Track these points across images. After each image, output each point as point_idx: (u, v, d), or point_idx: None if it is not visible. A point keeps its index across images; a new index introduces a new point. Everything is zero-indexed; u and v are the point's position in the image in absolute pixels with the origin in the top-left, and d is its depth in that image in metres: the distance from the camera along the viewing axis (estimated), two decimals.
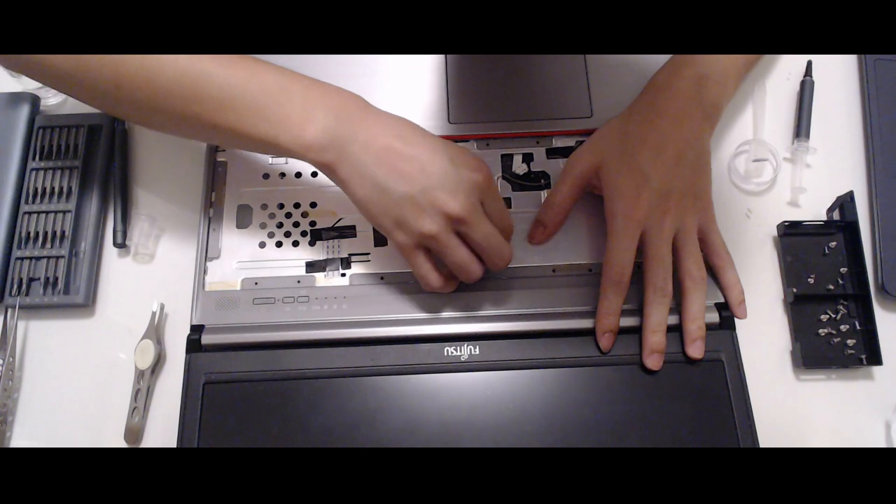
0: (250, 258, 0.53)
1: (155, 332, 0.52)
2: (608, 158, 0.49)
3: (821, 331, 0.52)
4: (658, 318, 0.48)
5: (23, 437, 0.51)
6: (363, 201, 0.44)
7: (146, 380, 0.51)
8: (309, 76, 0.45)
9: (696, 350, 0.48)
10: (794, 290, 0.53)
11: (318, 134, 0.43)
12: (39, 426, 0.52)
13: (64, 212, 0.56)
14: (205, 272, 0.52)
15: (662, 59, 0.58)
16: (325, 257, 0.53)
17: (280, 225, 0.54)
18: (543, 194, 0.54)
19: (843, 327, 0.52)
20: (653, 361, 0.48)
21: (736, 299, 0.50)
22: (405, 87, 0.58)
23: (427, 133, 0.45)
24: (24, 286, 0.54)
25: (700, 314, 0.48)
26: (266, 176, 0.55)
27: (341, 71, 0.58)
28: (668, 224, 0.47)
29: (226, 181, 0.55)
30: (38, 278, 0.54)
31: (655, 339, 0.48)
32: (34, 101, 0.59)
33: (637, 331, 0.49)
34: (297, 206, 0.54)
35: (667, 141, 0.48)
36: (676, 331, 0.49)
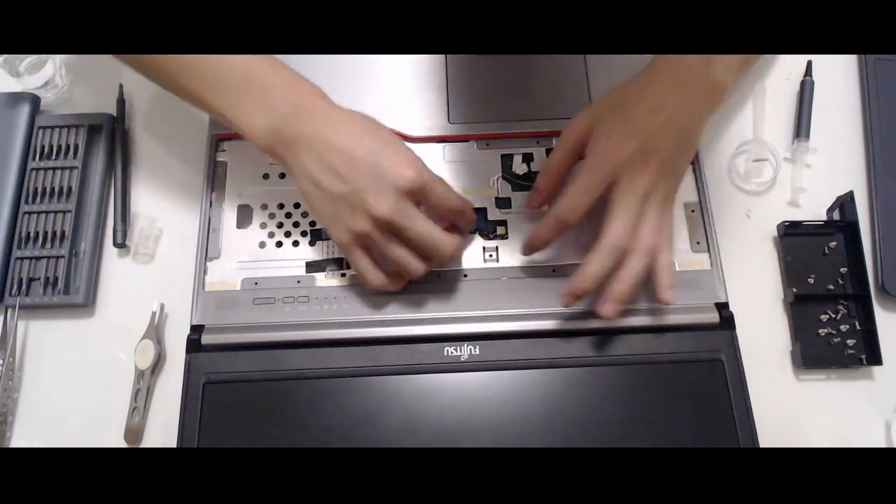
0: (250, 258, 0.53)
1: (155, 332, 0.52)
2: (602, 117, 0.47)
3: (821, 331, 0.52)
4: (596, 269, 0.45)
5: (23, 437, 0.51)
6: (305, 194, 0.46)
7: (146, 380, 0.51)
8: (277, 60, 0.46)
9: (608, 309, 0.45)
10: (794, 290, 0.53)
11: (265, 128, 0.45)
12: (39, 426, 0.52)
13: (64, 212, 0.56)
14: (205, 272, 0.52)
15: None
16: (324, 257, 0.53)
17: (280, 225, 0.54)
18: None
19: (843, 327, 0.52)
20: (567, 300, 0.46)
21: (666, 282, 0.46)
22: (405, 87, 0.58)
23: (370, 129, 0.45)
24: (24, 286, 0.54)
25: (635, 281, 0.45)
26: (266, 176, 0.55)
27: (341, 70, 0.58)
28: (641, 181, 0.45)
29: (226, 181, 0.55)
30: (38, 278, 0.54)
31: (581, 286, 0.45)
32: (34, 101, 0.59)
33: (638, 331, 0.49)
34: (296, 206, 0.54)
35: (665, 104, 0.45)
36: (675, 331, 0.49)
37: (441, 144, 0.56)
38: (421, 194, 0.45)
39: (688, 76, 0.46)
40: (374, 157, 0.44)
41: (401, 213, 0.44)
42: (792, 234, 0.55)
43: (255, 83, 0.45)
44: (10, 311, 0.53)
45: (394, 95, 0.57)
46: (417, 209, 0.45)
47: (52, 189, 0.56)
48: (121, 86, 0.60)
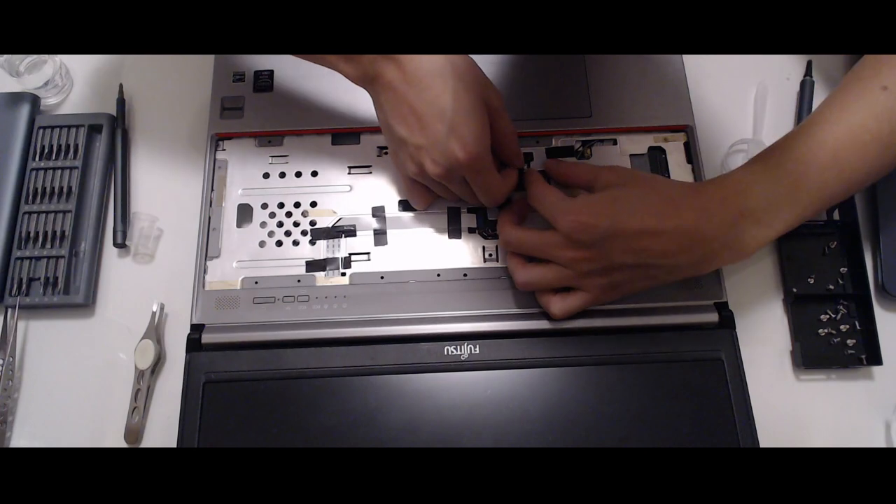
0: (250, 257, 0.53)
1: (155, 331, 0.53)
2: (624, 186, 0.47)
3: (821, 331, 0.52)
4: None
5: (23, 437, 0.51)
6: (379, 121, 0.49)
7: (146, 380, 0.51)
8: None
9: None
10: (794, 290, 0.53)
11: (353, 69, 0.46)
12: (39, 426, 0.52)
13: (64, 212, 0.56)
14: (205, 271, 0.52)
15: (663, 58, 0.58)
16: (324, 257, 0.53)
17: (280, 224, 0.54)
18: None
19: (843, 327, 0.52)
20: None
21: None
22: None
23: (451, 89, 0.43)
24: (24, 286, 0.54)
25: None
26: (266, 175, 0.55)
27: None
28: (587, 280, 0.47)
29: (226, 181, 0.55)
30: (38, 278, 0.54)
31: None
32: (34, 101, 0.59)
33: (638, 331, 0.49)
34: (297, 205, 0.54)
35: (675, 241, 0.44)
36: (675, 330, 0.49)
37: None
38: (469, 173, 0.47)
39: (715, 247, 0.44)
40: (444, 122, 0.44)
41: (448, 178, 0.47)
42: (792, 235, 0.54)
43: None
44: (10, 311, 0.53)
45: None
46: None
47: (52, 189, 0.56)
48: (121, 86, 0.60)
